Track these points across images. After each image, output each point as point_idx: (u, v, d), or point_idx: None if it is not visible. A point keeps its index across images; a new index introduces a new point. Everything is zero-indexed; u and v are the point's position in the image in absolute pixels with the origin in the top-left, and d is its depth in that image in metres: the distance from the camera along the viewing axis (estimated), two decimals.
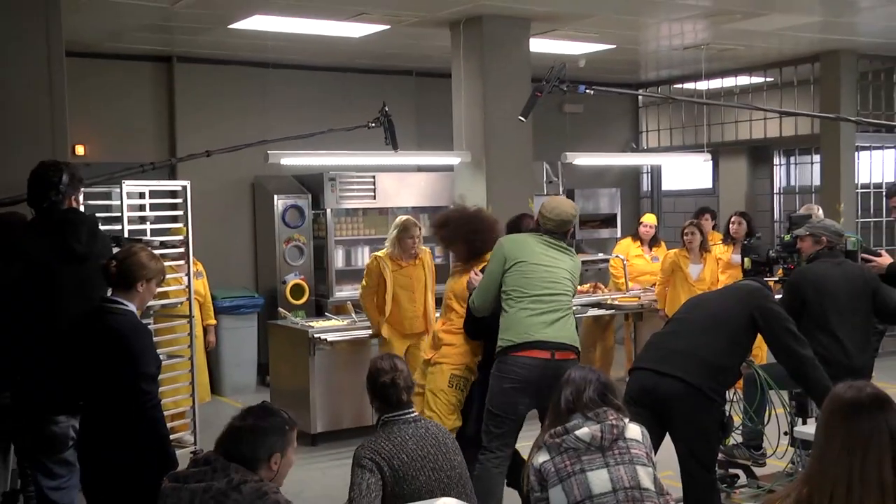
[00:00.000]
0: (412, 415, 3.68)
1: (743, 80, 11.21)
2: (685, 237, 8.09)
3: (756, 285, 4.83)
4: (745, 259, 6.07)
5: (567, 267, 5.01)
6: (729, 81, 11.29)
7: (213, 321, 7.65)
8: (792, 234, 5.90)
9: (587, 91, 5.36)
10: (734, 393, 5.08)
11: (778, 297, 5.43)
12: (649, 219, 9.12)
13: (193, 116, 9.46)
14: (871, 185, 10.69)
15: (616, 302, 8.27)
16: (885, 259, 5.56)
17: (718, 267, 8.42)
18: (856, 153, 10.40)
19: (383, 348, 6.58)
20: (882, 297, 5.37)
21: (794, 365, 4.54)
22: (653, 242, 9.04)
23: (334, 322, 7.30)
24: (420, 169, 9.90)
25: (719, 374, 4.44)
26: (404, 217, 6.78)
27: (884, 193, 10.07)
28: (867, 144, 10.64)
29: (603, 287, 8.80)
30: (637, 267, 8.92)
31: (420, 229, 6.65)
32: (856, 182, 10.40)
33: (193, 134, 9.33)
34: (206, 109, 9.53)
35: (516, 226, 5.70)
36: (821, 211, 8.11)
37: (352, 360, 7.07)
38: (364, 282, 6.67)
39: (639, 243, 9.03)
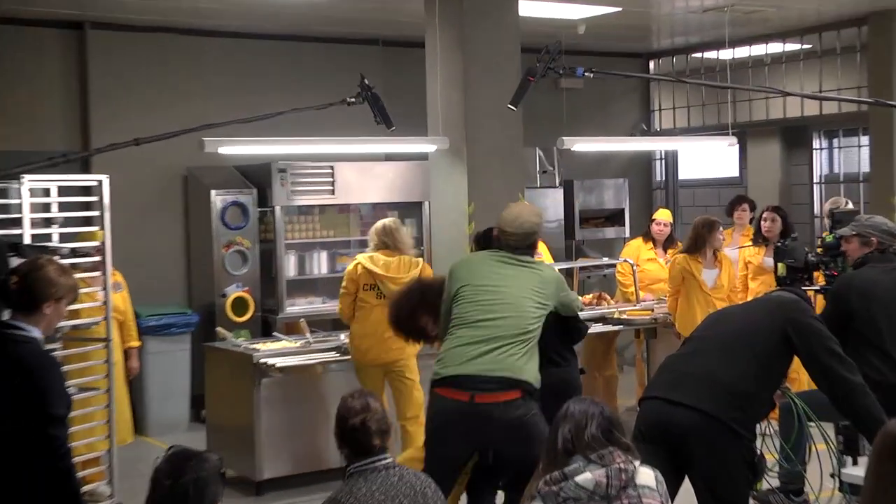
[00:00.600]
0: (384, 461, 3.67)
1: (775, 47, 11.27)
2: (716, 235, 8.07)
3: (790, 297, 4.84)
4: (779, 264, 6.09)
5: (529, 285, 5.07)
6: (758, 50, 11.35)
7: (137, 343, 7.60)
8: (835, 235, 5.92)
9: (587, 74, 5.40)
10: (767, 426, 5.08)
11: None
12: (663, 215, 9.15)
13: (111, 96, 9.39)
14: None
15: (624, 316, 8.28)
16: None
17: (748, 272, 8.44)
18: None
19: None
20: None
21: (839, 393, 4.55)
22: (668, 243, 9.06)
23: (285, 344, 7.27)
24: (388, 158, 9.88)
25: (745, 404, 4.44)
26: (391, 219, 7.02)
27: None
28: None
29: (609, 297, 8.81)
30: (649, 273, 8.94)
31: None
32: None
33: (111, 117, 9.26)
34: (126, 87, 9.46)
35: (486, 241, 5.73)
36: (850, 204, 8.15)
37: (306, 390, 7.05)
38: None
39: (651, 245, 9.05)
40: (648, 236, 9.06)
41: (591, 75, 5.48)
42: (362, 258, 6.84)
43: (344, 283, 6.86)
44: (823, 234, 6.40)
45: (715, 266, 8.12)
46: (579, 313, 5.68)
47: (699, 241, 8.06)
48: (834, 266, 6.01)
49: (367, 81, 6.16)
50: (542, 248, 8.85)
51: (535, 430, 4.87)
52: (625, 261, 8.95)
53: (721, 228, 8.19)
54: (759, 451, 4.60)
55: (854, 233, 5.65)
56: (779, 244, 6.49)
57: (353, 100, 6.12)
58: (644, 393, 4.70)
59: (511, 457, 4.97)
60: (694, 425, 4.35)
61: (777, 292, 5.13)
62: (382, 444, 3.70)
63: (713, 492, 4.40)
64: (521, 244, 5.16)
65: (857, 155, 11.77)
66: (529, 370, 4.95)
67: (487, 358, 4.86)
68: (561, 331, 5.61)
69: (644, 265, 8.94)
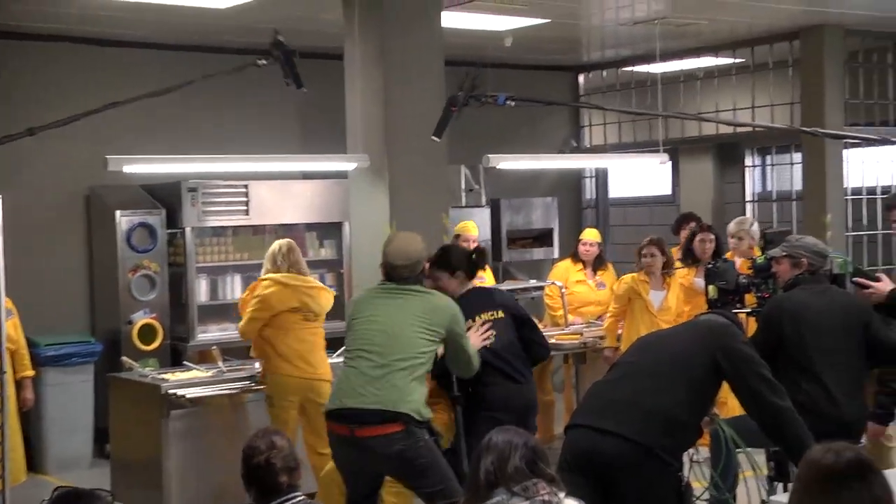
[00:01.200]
0: (293, 500, 3.72)
1: (707, 61, 11.50)
2: (644, 258, 8.20)
3: (721, 321, 4.95)
4: (710, 287, 6.21)
5: (415, 311, 5.34)
6: (690, 63, 11.57)
7: (30, 372, 7.47)
8: (766, 256, 6.05)
9: (508, 102, 5.52)
10: (695, 452, 5.20)
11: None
12: (590, 235, 9.26)
13: (2, 107, 9.25)
14: (864, 189, 11.03)
15: (553, 340, 8.35)
16: (885, 284, 5.63)
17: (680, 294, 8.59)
18: (845, 151, 10.72)
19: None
20: (874, 333, 5.54)
21: (768, 419, 4.66)
22: (597, 264, 9.17)
23: (196, 373, 7.25)
24: (306, 176, 9.87)
25: (675, 431, 4.53)
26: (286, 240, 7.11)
27: (882, 205, 10.39)
28: (859, 141, 10.97)
29: (536, 322, 8.87)
30: (578, 296, 9.04)
31: None
32: (846, 187, 10.72)
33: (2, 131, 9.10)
34: (17, 100, 9.26)
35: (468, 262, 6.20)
36: (755, 225, 8.33)
37: (219, 423, 7.02)
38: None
39: (580, 266, 9.15)
40: (577, 257, 9.16)
41: (513, 104, 5.58)
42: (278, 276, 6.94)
43: (258, 307, 6.87)
44: (754, 256, 6.54)
45: (663, 287, 8.23)
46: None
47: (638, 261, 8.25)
48: (765, 288, 6.14)
49: (280, 38, 5.96)
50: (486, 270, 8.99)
51: (420, 463, 5.13)
52: (553, 283, 9.04)
53: (654, 252, 8.23)
54: (686, 479, 4.71)
55: (784, 254, 5.76)
56: (709, 266, 6.62)
57: (264, 61, 5.97)
58: (570, 420, 4.76)
59: (408, 485, 5.35)
60: (622, 454, 4.43)
61: (706, 316, 5.24)
62: (291, 482, 3.74)
63: None
64: (411, 274, 5.46)
65: (789, 172, 12.03)
66: (412, 401, 5.15)
67: (366, 391, 5.13)
68: (525, 344, 6.06)
69: (573, 287, 9.04)
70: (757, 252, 8.28)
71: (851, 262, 6.24)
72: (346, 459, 5.31)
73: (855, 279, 5.67)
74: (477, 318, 6.00)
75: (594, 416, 4.59)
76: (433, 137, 5.94)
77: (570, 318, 8.83)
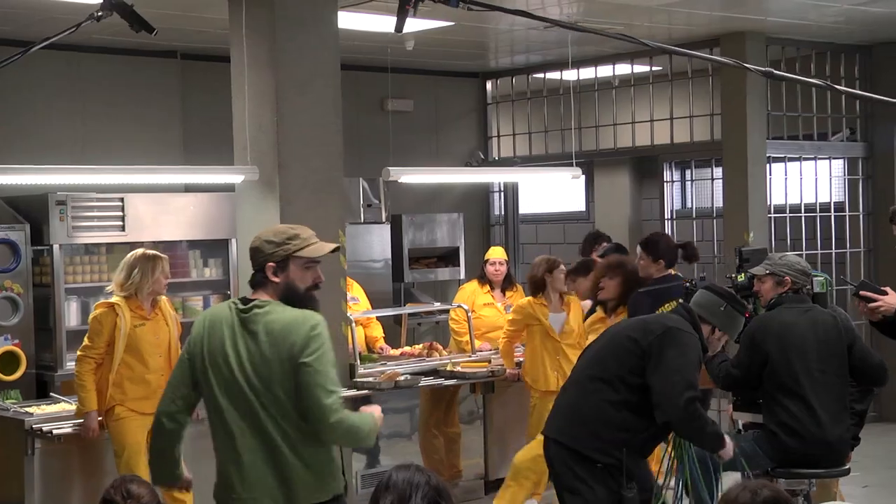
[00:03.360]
0: None
1: (623, 68, 11.67)
2: (556, 276, 8.23)
3: (664, 321, 5.26)
4: None
5: (265, 352, 4.39)
6: (605, 71, 11.72)
7: None
8: (747, 273, 6.25)
9: (461, 5, 4.97)
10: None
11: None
12: (496, 254, 9.31)
13: None
14: (788, 206, 11.27)
15: (458, 369, 8.37)
16: (894, 298, 5.55)
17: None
18: (768, 165, 10.96)
19: (119, 432, 6.75)
20: (858, 354, 5.88)
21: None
22: (506, 285, 9.22)
23: (64, 406, 7.15)
24: (188, 189, 9.78)
25: (603, 431, 4.89)
26: (145, 250, 7.05)
27: (890, 215, 10.53)
28: (782, 155, 11.23)
29: (441, 348, 8.90)
30: (486, 320, 9.08)
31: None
32: (768, 203, 10.97)
33: None
34: None
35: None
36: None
37: (89, 461, 6.92)
38: (87, 341, 6.92)
39: (487, 287, 9.19)
40: (484, 279, 9.20)
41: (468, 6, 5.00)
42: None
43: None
44: (733, 275, 6.69)
45: (562, 309, 8.22)
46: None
47: (537, 284, 8.16)
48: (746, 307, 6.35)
49: None
50: (357, 291, 8.95)
51: None
52: (459, 306, 9.06)
53: (563, 268, 8.29)
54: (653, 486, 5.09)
55: (768, 272, 6.05)
56: (687, 284, 6.86)
57: (101, 13, 5.69)
58: None
59: None
60: (557, 456, 5.00)
61: (654, 317, 5.65)
62: None
63: None
64: (256, 266, 4.54)
65: (710, 188, 12.23)
66: (311, 482, 4.45)
67: (264, 478, 4.38)
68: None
69: (480, 311, 9.07)
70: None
71: (831, 279, 6.54)
72: None
73: (861, 292, 5.61)
74: (672, 304, 6.66)
75: (546, 425, 5.17)
76: (395, 31, 5.21)
77: (478, 343, 8.84)
